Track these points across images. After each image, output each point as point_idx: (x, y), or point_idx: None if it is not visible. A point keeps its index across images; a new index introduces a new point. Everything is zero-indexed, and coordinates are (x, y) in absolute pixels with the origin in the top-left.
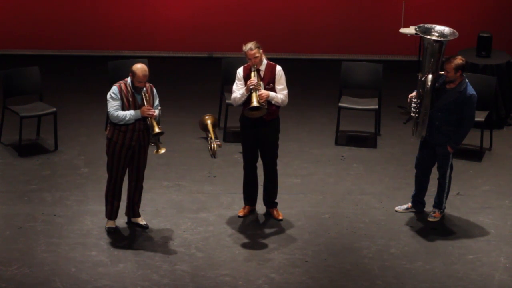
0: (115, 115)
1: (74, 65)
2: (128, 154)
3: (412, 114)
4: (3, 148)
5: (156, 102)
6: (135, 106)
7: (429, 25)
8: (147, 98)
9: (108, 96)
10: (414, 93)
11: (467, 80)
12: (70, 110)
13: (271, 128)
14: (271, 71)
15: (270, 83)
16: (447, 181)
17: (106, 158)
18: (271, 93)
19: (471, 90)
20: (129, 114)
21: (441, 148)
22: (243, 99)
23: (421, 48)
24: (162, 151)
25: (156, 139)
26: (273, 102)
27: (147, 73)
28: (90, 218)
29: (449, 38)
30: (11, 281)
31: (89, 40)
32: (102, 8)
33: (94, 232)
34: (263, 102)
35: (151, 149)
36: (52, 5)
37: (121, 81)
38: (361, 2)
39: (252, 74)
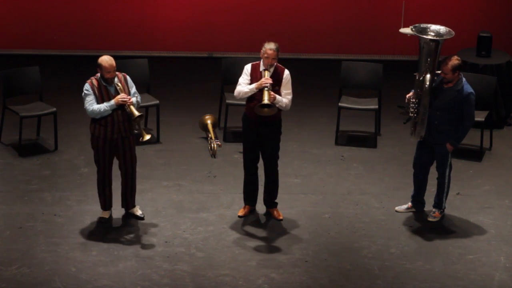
0: (90, 109)
1: (74, 65)
2: (111, 147)
3: (410, 114)
4: (3, 148)
5: (133, 90)
6: (109, 98)
7: (424, 25)
8: (121, 87)
9: (82, 94)
10: (411, 93)
11: (463, 79)
12: (70, 110)
13: (273, 129)
14: (279, 75)
15: (276, 86)
16: (446, 180)
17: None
18: (278, 96)
19: (468, 88)
20: (103, 106)
21: (440, 148)
22: (249, 94)
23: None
24: (147, 137)
25: (139, 125)
26: (277, 105)
27: (113, 62)
28: (90, 218)
29: (445, 37)
30: (11, 281)
31: (89, 40)
32: (102, 8)
33: (94, 232)
34: (271, 102)
35: (154, 145)
36: (52, 5)
37: (92, 77)
38: (361, 2)
39: (266, 73)
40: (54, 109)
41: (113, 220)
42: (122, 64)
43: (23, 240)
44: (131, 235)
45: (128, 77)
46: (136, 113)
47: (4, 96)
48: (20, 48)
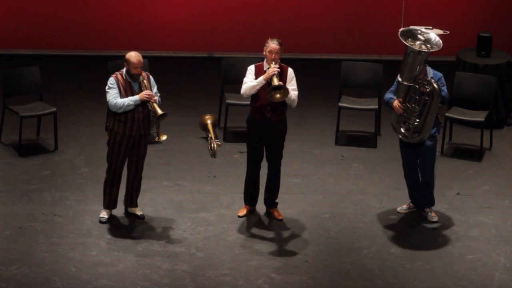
0: (114, 103)
1: (74, 65)
2: (128, 145)
3: (416, 123)
4: (3, 148)
5: (155, 89)
6: (132, 94)
7: (415, 28)
8: (145, 84)
9: (106, 87)
10: (399, 99)
11: (428, 66)
12: (70, 110)
13: (278, 128)
14: (283, 73)
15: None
16: (434, 178)
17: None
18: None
19: (438, 73)
20: (127, 100)
21: (427, 142)
22: (258, 87)
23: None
24: (164, 138)
25: (157, 126)
26: (285, 99)
27: (141, 58)
28: (90, 218)
29: (432, 49)
30: (11, 281)
31: (89, 40)
32: (102, 8)
33: (94, 232)
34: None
35: (154, 145)
36: (52, 5)
37: (117, 72)
38: (361, 2)
39: (273, 63)
40: (54, 109)
41: (113, 220)
42: (122, 64)
43: (23, 240)
44: (131, 235)
45: (151, 77)
46: (159, 111)
47: (4, 96)
48: (20, 48)
